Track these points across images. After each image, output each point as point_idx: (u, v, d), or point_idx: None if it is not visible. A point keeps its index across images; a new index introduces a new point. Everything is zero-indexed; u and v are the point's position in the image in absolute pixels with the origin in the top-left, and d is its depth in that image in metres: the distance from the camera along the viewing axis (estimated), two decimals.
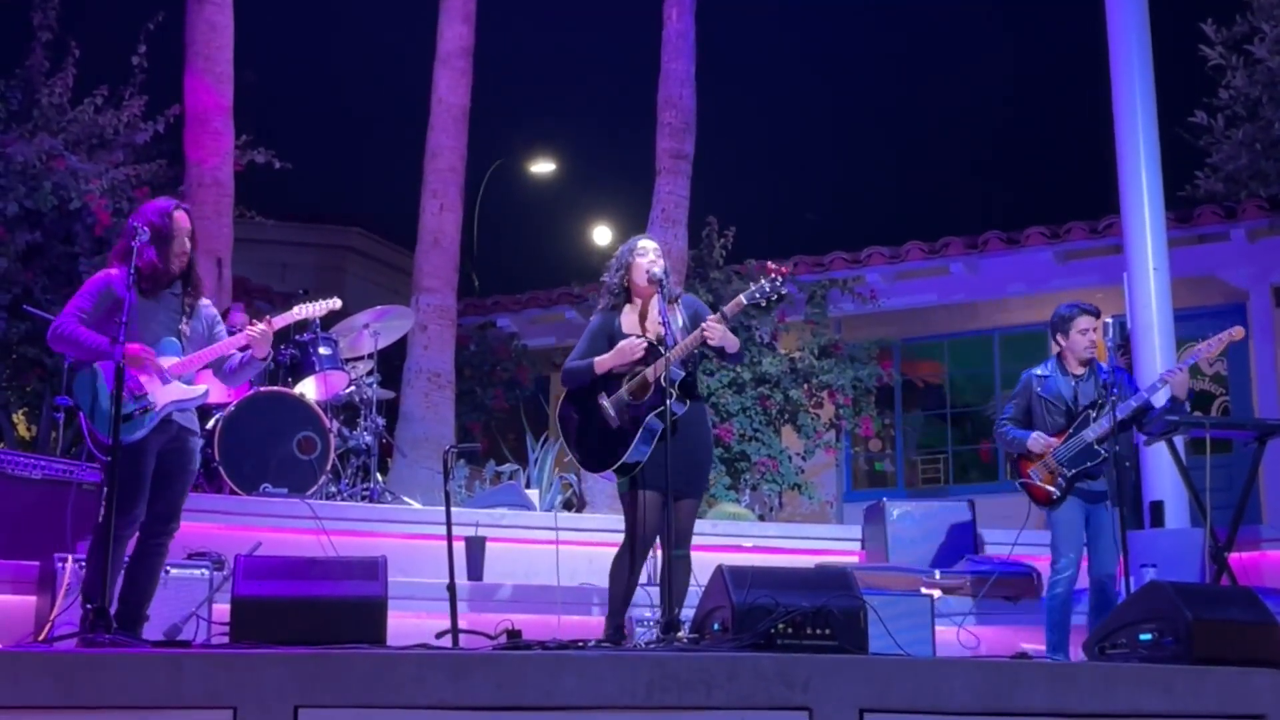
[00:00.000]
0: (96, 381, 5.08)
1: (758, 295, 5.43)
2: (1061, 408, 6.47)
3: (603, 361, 5.53)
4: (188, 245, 5.24)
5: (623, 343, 5.53)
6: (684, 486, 5.47)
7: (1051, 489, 6.40)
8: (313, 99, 18.75)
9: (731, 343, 5.44)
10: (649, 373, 5.47)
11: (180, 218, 5.22)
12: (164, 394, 5.11)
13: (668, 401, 5.22)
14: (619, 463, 5.44)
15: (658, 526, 5.46)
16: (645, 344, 5.49)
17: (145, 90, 10.40)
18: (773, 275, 5.42)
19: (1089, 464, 6.32)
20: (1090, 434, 6.33)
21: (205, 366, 5.37)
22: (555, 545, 7.20)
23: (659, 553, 5.77)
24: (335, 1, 17.87)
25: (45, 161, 9.27)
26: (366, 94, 19.22)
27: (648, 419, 5.42)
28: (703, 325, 5.40)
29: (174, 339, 5.21)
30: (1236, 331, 6.33)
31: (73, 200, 9.27)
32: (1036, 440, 6.46)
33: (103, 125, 10.15)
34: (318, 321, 8.09)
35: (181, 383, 5.18)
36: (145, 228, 5.09)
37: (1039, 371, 6.64)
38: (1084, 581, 6.57)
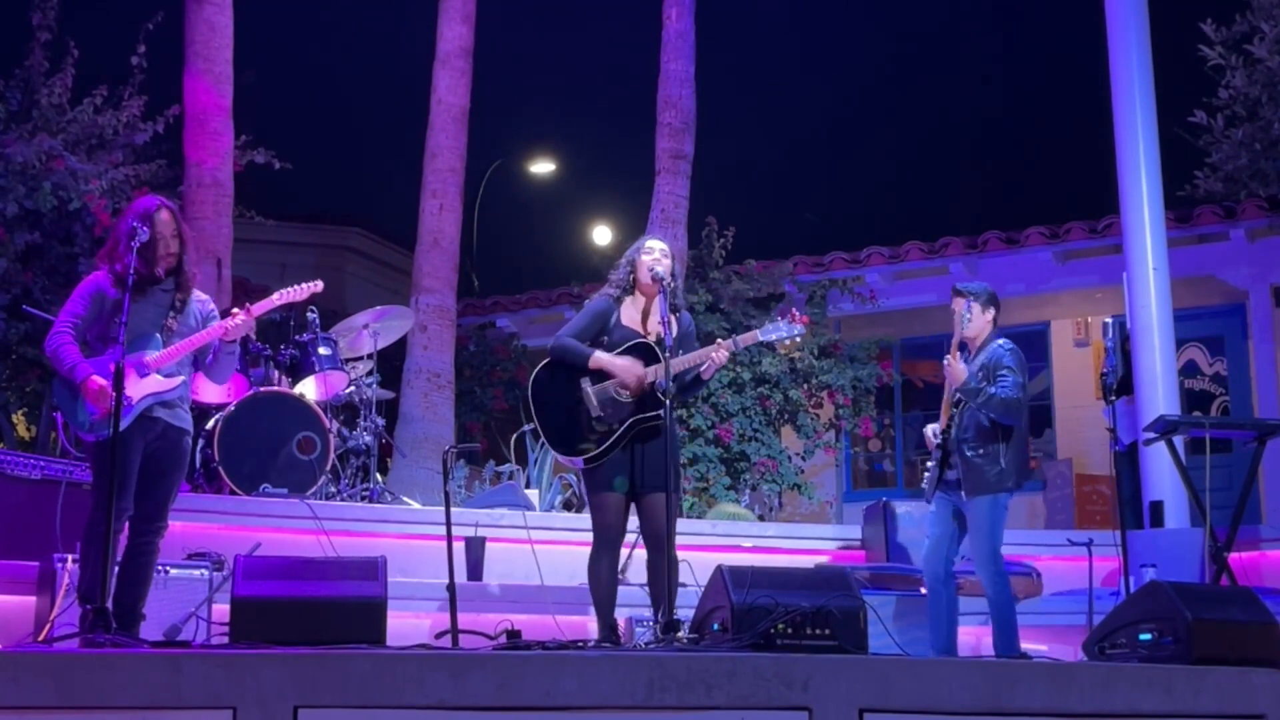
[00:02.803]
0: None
1: (773, 335, 5.55)
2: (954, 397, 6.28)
3: (600, 361, 5.51)
4: (173, 246, 5.20)
5: (632, 366, 5.48)
6: (664, 482, 5.48)
7: (925, 486, 6.29)
8: (313, 99, 18.77)
9: (711, 374, 5.58)
10: (647, 373, 5.48)
11: (163, 218, 5.17)
12: (140, 387, 5.11)
13: (665, 407, 5.24)
14: (596, 452, 5.44)
15: (625, 524, 5.56)
16: (649, 378, 5.45)
17: (145, 90, 10.39)
18: (793, 321, 5.54)
19: (937, 454, 6.18)
20: (937, 425, 6.23)
21: (196, 368, 5.39)
22: (555, 545, 7.20)
23: (640, 550, 5.81)
24: (335, 1, 17.89)
25: (45, 162, 9.26)
26: (366, 94, 19.25)
27: (632, 420, 5.44)
28: (716, 346, 5.47)
29: (157, 335, 5.20)
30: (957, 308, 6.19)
31: (72, 201, 9.27)
32: (927, 430, 6.37)
33: (102, 125, 10.14)
34: (317, 321, 8.09)
35: (160, 375, 5.18)
36: (144, 228, 5.09)
37: None
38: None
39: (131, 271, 4.99)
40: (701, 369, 5.55)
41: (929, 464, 6.25)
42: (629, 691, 3.66)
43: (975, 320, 6.22)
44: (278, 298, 5.53)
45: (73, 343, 5.13)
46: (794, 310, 5.73)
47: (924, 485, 6.29)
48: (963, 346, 6.27)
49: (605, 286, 5.79)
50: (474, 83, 10.60)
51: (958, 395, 6.14)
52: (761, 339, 5.57)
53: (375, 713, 3.55)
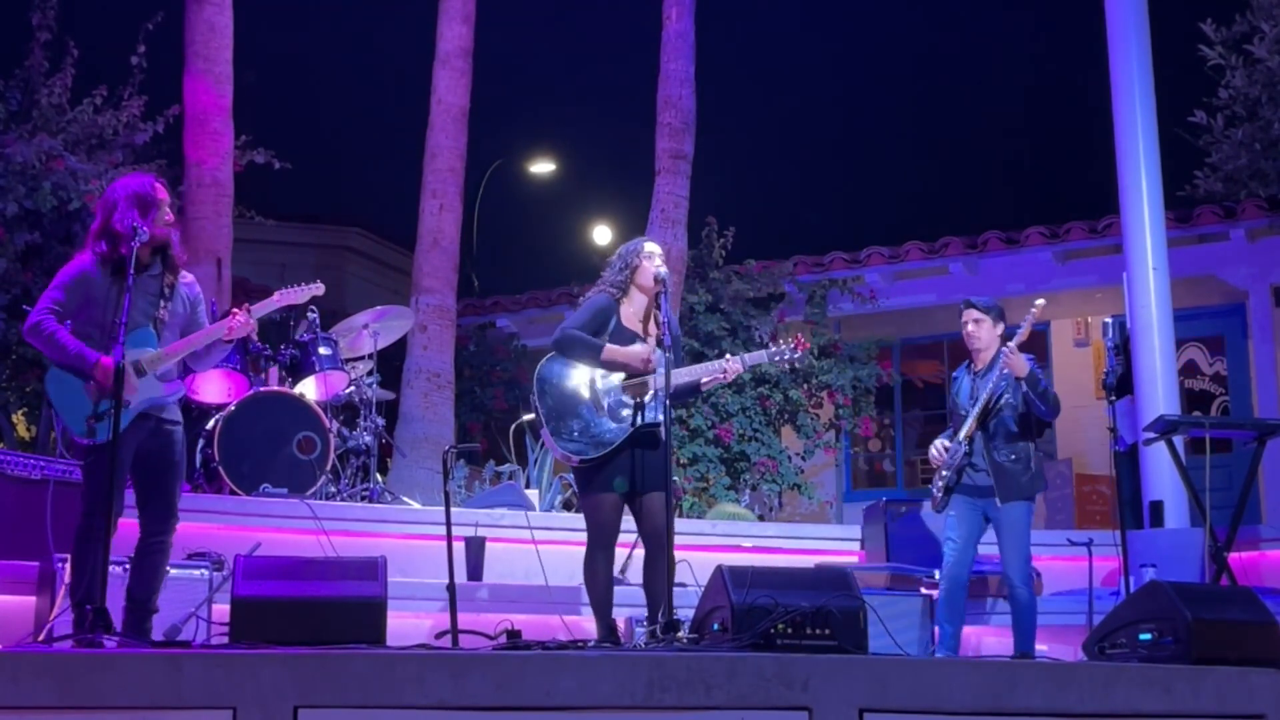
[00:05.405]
0: (72, 378, 5.01)
1: (777, 358, 5.82)
2: (961, 410, 6.41)
3: (613, 352, 5.52)
4: (170, 215, 5.19)
5: (643, 349, 5.54)
6: (660, 483, 5.53)
7: (938, 494, 6.37)
8: (313, 99, 18.77)
9: (711, 386, 5.77)
10: (652, 380, 5.49)
11: (160, 187, 5.20)
12: (137, 390, 5.01)
13: (667, 411, 5.27)
14: (604, 453, 5.46)
15: (619, 523, 5.59)
16: (658, 359, 5.48)
17: (145, 90, 10.38)
18: (796, 346, 5.80)
19: (961, 463, 6.25)
20: (960, 434, 6.27)
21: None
22: (555, 545, 7.20)
23: (640, 550, 5.83)
24: (335, 2, 17.89)
25: (44, 162, 9.25)
26: (366, 94, 19.25)
27: (640, 425, 5.46)
28: (728, 360, 5.66)
29: (149, 327, 5.09)
30: (1039, 306, 6.26)
31: (72, 201, 9.26)
32: (933, 448, 6.44)
33: (102, 125, 10.13)
34: (317, 321, 8.09)
35: (158, 379, 5.10)
36: (150, 190, 5.09)
37: (955, 374, 6.64)
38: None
39: (130, 257, 4.90)
40: (704, 381, 5.68)
41: (944, 472, 6.32)
42: (629, 691, 3.66)
43: (986, 335, 6.42)
44: (278, 298, 5.50)
45: (61, 326, 4.98)
46: (799, 335, 5.96)
47: (935, 493, 6.38)
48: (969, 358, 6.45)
49: (601, 285, 5.77)
50: (474, 83, 10.60)
51: (999, 399, 6.17)
52: (765, 361, 5.86)
53: (375, 713, 3.55)
